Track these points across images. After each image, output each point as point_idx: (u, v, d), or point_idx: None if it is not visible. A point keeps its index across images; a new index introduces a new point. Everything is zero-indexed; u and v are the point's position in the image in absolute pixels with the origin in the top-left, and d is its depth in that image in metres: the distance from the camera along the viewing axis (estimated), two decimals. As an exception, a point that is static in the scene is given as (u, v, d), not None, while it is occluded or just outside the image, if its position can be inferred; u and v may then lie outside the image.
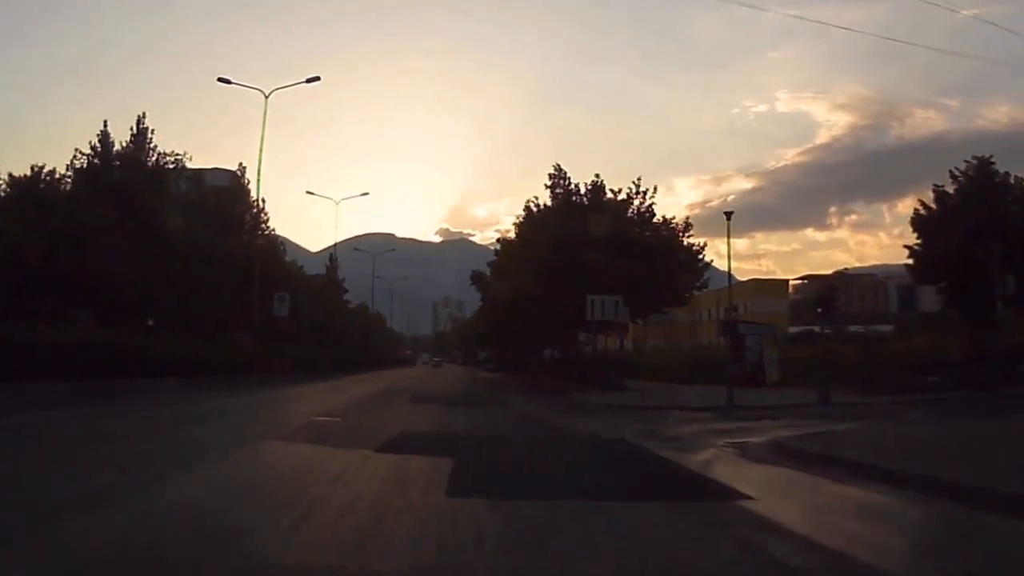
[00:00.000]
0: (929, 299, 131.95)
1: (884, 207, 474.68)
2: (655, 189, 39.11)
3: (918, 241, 35.79)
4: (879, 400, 28.22)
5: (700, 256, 38.66)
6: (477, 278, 61.64)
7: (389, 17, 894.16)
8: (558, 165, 40.04)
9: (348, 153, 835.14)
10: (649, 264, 36.90)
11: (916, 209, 35.41)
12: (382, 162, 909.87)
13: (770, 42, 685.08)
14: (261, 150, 46.92)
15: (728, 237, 30.83)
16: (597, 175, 39.78)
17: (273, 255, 57.14)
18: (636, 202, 38.83)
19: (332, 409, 23.61)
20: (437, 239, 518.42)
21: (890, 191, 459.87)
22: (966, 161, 34.54)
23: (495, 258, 55.20)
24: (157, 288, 39.58)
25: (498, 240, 50.83)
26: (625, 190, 39.01)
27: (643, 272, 36.36)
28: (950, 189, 34.81)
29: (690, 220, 39.30)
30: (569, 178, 39.86)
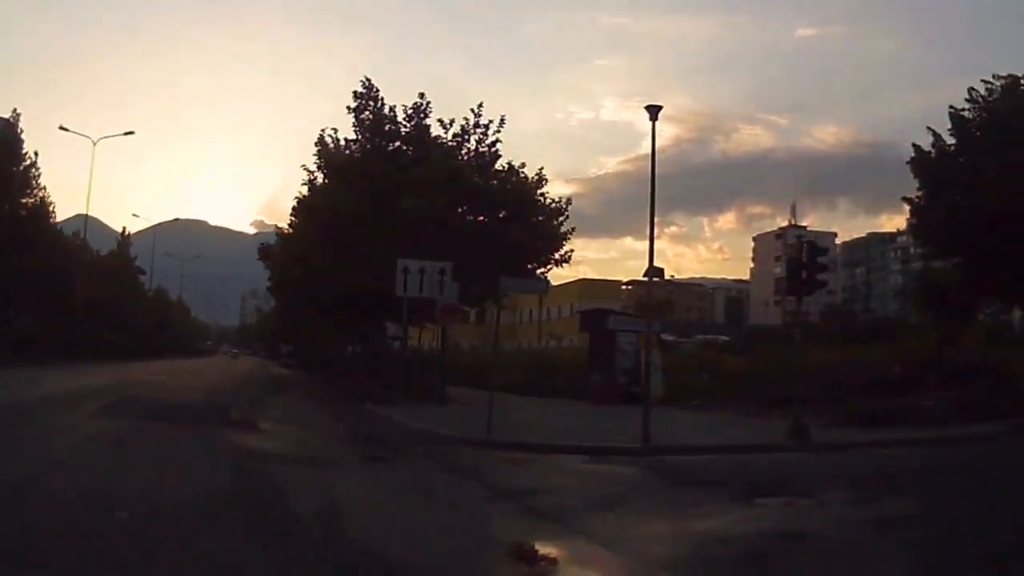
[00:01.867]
0: (759, 312, 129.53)
1: (704, 220, 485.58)
2: (501, 122, 26.75)
3: (919, 192, 22.15)
4: (871, 438, 17.02)
5: (562, 218, 27.20)
6: (264, 253, 47.45)
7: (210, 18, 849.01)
8: (367, 79, 27.32)
9: (158, 129, 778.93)
10: (492, 226, 25.40)
11: (916, 146, 21.87)
12: (197, 147, 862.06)
13: (600, 50, 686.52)
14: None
15: (652, 170, 16.86)
16: (422, 95, 27.33)
17: (40, 220, 47.55)
18: (474, 138, 26.93)
19: None
20: (252, 230, 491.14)
21: (711, 205, 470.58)
22: (986, 81, 20.79)
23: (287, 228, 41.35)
24: None
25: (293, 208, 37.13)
26: (459, 121, 26.71)
27: (484, 236, 24.81)
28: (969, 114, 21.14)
29: (544, 173, 27.67)
30: (382, 99, 27.15)
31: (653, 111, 15.87)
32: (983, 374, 21.94)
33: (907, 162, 21.83)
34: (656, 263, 17.01)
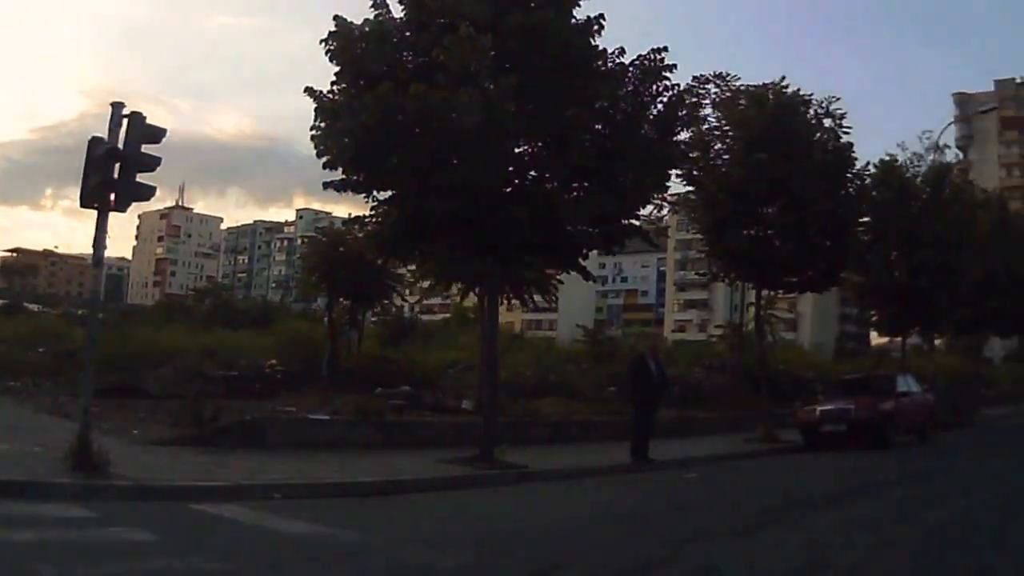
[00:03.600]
0: (138, 292, 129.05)
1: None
2: None
3: (336, 87, 12.78)
4: (240, 476, 9.90)
5: None
6: None
7: None
8: None
9: None
10: None
11: (340, 17, 12.17)
12: None
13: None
14: None
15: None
16: None
17: None
18: None
19: None
20: None
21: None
22: None
23: None
24: None
25: None
26: None
27: None
28: None
29: None
30: None
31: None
32: (399, 371, 18.99)
33: (321, 40, 12.22)
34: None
